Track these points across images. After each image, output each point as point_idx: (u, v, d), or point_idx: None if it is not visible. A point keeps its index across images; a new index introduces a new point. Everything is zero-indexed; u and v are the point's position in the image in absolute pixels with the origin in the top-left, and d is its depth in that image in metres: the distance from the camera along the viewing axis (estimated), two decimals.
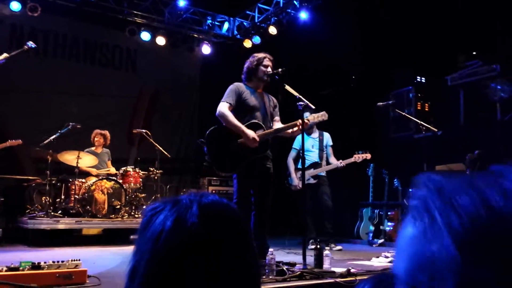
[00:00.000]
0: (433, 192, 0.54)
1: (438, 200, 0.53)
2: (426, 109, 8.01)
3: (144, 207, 7.55)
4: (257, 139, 4.26)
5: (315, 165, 6.81)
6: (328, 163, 6.90)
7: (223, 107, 4.37)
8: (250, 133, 4.27)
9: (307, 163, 6.65)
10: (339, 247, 6.53)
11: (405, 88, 8.17)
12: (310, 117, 4.47)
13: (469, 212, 0.51)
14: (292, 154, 6.95)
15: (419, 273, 0.51)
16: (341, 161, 6.69)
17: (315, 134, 6.97)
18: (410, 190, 7.20)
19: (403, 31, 7.73)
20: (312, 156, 6.84)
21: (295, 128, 4.37)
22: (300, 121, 4.29)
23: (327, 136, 7.02)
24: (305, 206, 6.39)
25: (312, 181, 6.73)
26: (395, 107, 6.82)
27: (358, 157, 6.57)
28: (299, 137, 6.64)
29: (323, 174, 6.84)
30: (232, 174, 4.52)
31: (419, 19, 7.57)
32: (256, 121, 4.42)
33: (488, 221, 0.50)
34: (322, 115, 4.48)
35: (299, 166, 6.61)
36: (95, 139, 7.76)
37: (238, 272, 0.78)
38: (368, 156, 6.59)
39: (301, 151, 6.21)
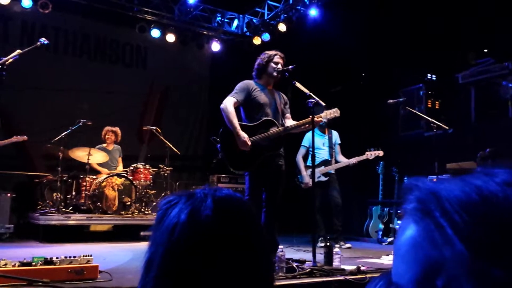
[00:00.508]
0: (428, 195, 0.53)
1: (436, 204, 0.52)
2: (437, 107, 7.95)
3: (155, 203, 7.58)
4: (249, 143, 4.25)
5: (325, 163, 6.79)
6: (336, 161, 6.88)
7: (228, 102, 4.38)
8: (242, 135, 4.26)
9: (318, 160, 6.65)
10: (348, 245, 6.50)
11: (415, 86, 8.12)
12: (323, 114, 4.45)
13: (462, 202, 0.50)
14: (301, 151, 6.92)
15: (435, 278, 0.49)
16: (354, 158, 6.66)
17: (325, 132, 6.97)
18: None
19: (413, 27, 7.68)
20: (322, 153, 6.81)
21: (308, 125, 4.37)
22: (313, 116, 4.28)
23: (335, 134, 7.01)
24: (314, 204, 6.41)
25: (323, 178, 6.70)
26: (406, 104, 6.79)
27: (370, 154, 6.53)
28: (308, 135, 6.65)
29: (333, 172, 6.81)
30: (245, 172, 4.53)
31: (430, 16, 7.51)
32: (269, 118, 4.43)
33: (483, 205, 0.49)
34: (335, 112, 4.47)
35: (309, 163, 6.65)
36: (106, 136, 7.79)
37: (251, 264, 0.79)
38: (381, 153, 6.53)
39: (310, 149, 6.33)
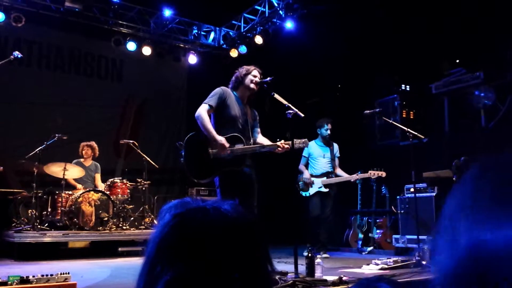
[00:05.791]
0: None
1: None
2: (411, 117, 8.09)
3: (133, 218, 7.48)
4: (227, 145, 4.25)
5: (327, 174, 6.88)
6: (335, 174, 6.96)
7: (202, 109, 4.39)
8: (220, 140, 4.25)
9: (319, 171, 6.83)
10: (325, 255, 6.52)
11: (390, 97, 8.25)
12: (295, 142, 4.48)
13: None
14: (302, 161, 7.01)
15: None
16: (356, 175, 6.71)
17: (328, 143, 7.06)
18: (398, 197, 7.32)
19: (387, 39, 7.83)
20: (323, 165, 6.91)
21: (278, 149, 4.40)
22: (282, 143, 4.36)
23: (336, 147, 7.09)
24: (312, 214, 6.70)
25: (323, 189, 6.79)
26: (382, 115, 6.89)
27: (373, 174, 6.61)
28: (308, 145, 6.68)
29: (334, 184, 6.89)
30: (203, 181, 4.57)
31: (403, 28, 7.68)
32: (237, 134, 4.41)
33: None
34: (304, 143, 4.53)
35: (310, 172, 6.88)
36: (83, 151, 7.68)
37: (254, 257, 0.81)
38: (383, 174, 6.61)
39: (310, 159, 6.89)
